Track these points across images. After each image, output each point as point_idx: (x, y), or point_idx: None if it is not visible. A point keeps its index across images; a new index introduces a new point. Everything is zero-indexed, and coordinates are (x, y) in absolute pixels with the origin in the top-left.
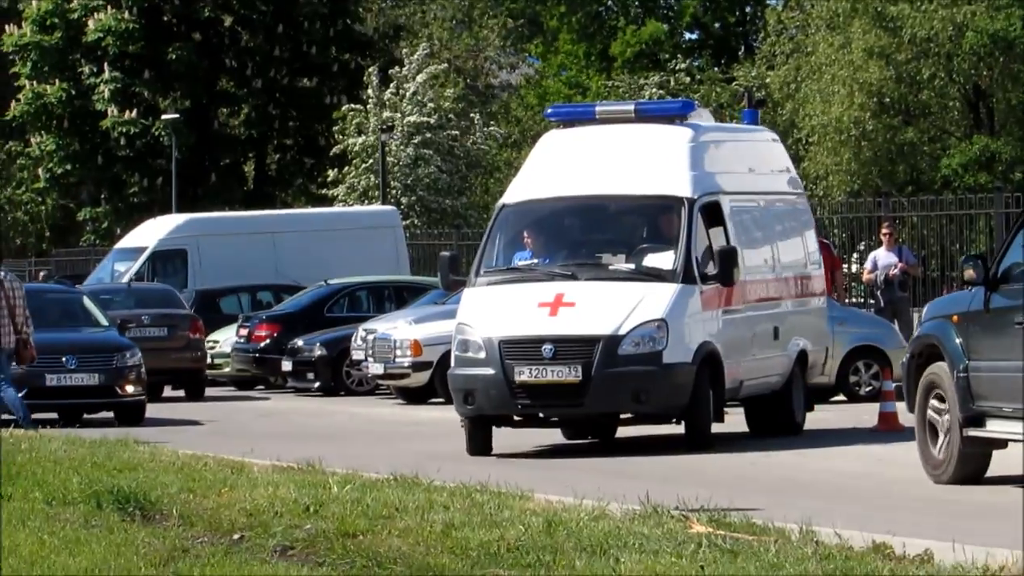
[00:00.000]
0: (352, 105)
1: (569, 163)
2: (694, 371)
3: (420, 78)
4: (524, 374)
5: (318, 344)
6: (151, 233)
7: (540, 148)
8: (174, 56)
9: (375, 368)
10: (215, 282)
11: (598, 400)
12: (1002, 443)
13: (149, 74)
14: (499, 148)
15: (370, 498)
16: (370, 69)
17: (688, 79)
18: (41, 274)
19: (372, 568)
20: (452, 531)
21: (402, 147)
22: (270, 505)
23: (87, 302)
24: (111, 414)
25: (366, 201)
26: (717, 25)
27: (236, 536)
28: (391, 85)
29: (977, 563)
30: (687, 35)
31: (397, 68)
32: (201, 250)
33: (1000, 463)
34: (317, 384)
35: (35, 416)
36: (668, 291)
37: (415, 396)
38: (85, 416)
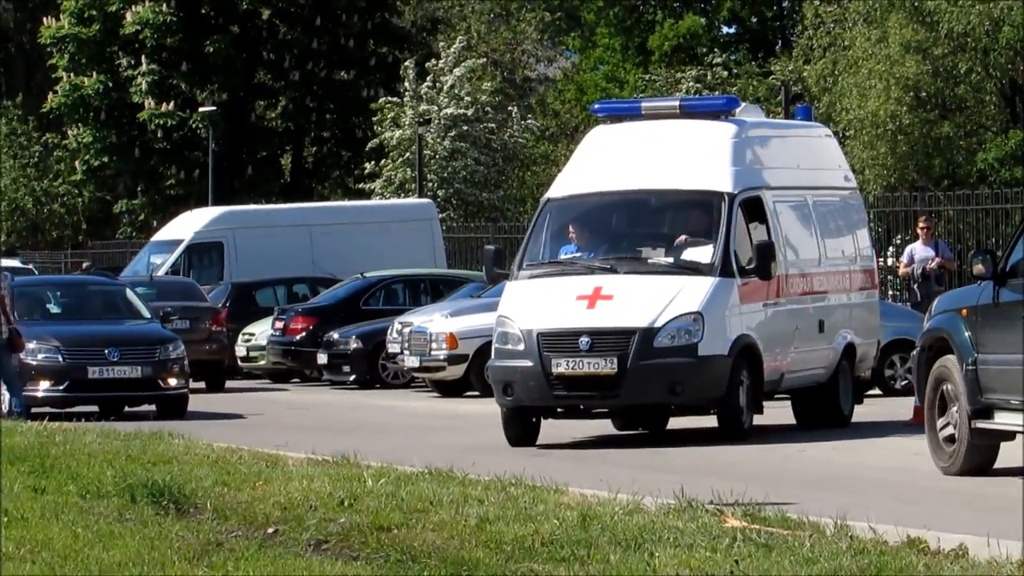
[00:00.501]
0: (389, 98)
1: (614, 158)
2: (730, 363)
3: (457, 71)
4: (561, 366)
5: (354, 337)
6: (187, 226)
7: (586, 143)
8: (212, 48)
9: (411, 361)
10: (251, 275)
11: (634, 392)
12: (1010, 435)
13: (186, 66)
14: (536, 141)
15: (405, 492)
16: (406, 62)
17: (725, 73)
18: (84, 264)
19: (406, 562)
20: (486, 525)
21: (439, 140)
22: (304, 498)
23: (130, 294)
24: (153, 407)
25: (403, 194)
26: (754, 19)
27: (270, 530)
28: (428, 78)
29: (1012, 558)
30: (724, 29)
31: (434, 61)
32: (237, 243)
33: (1009, 455)
34: (353, 377)
35: (77, 409)
36: (705, 284)
37: (450, 389)
38: (126, 409)
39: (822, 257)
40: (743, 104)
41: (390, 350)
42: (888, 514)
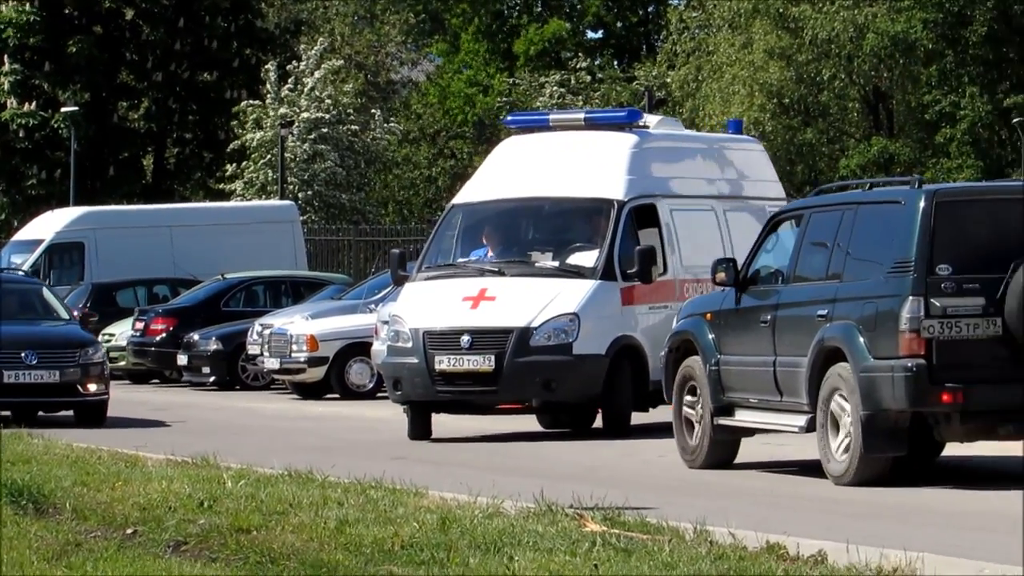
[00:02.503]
0: (251, 100)
1: (517, 167)
2: (607, 363)
3: (318, 74)
4: (443, 363)
5: (214, 338)
6: (48, 226)
7: (495, 153)
8: (74, 49)
9: (271, 363)
10: (112, 275)
11: (510, 388)
12: (749, 431)
13: (49, 66)
14: (398, 144)
15: (264, 494)
16: (268, 65)
17: (589, 78)
18: None
19: (265, 564)
20: (346, 528)
21: (299, 143)
22: (164, 500)
23: (46, 293)
24: (71, 413)
25: (264, 196)
26: (620, 24)
27: (129, 530)
28: (289, 80)
29: (871, 564)
30: (589, 34)
31: (296, 63)
32: (98, 243)
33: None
34: (212, 379)
35: None
36: (584, 287)
37: (310, 391)
38: (40, 415)
39: None
40: (659, 116)
41: (250, 352)
42: (747, 519)
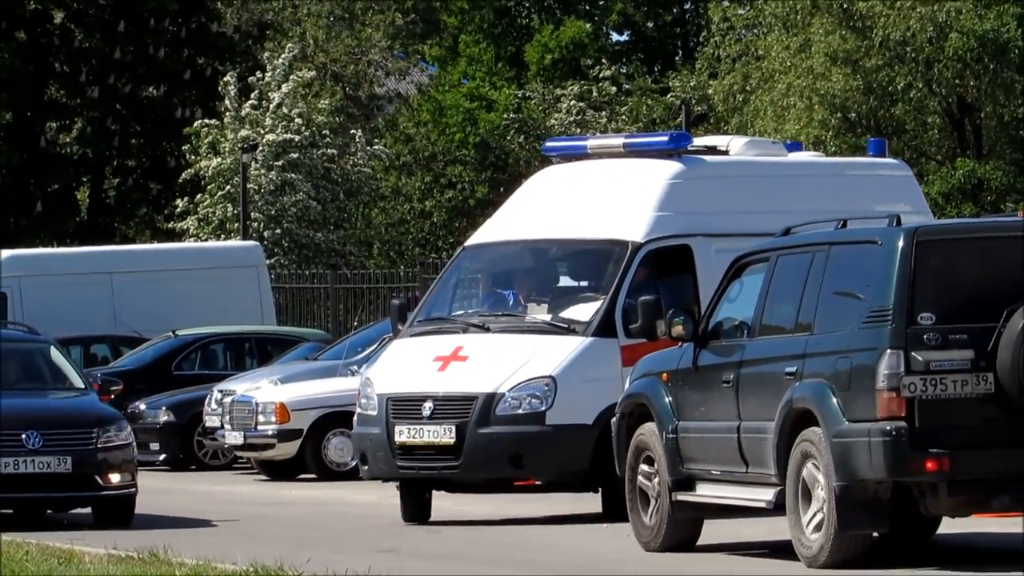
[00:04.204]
0: (206, 120)
1: (540, 203)
2: (596, 434)
3: (286, 87)
4: (404, 434)
5: (164, 408)
6: None
7: (525, 185)
8: None
9: (233, 437)
10: (40, 332)
11: (473, 463)
12: (712, 508)
13: None
14: (385, 171)
15: None
16: (226, 77)
17: (614, 89)
18: None
19: None
20: None
21: (264, 171)
22: None
23: (55, 354)
24: (88, 509)
25: (223, 235)
26: (650, 24)
27: None
28: (252, 95)
29: None
30: (614, 36)
31: (260, 75)
32: (23, 293)
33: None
34: (162, 456)
35: None
36: (570, 345)
37: (281, 471)
38: (50, 513)
39: None
40: (748, 139)
41: (208, 424)
42: None
